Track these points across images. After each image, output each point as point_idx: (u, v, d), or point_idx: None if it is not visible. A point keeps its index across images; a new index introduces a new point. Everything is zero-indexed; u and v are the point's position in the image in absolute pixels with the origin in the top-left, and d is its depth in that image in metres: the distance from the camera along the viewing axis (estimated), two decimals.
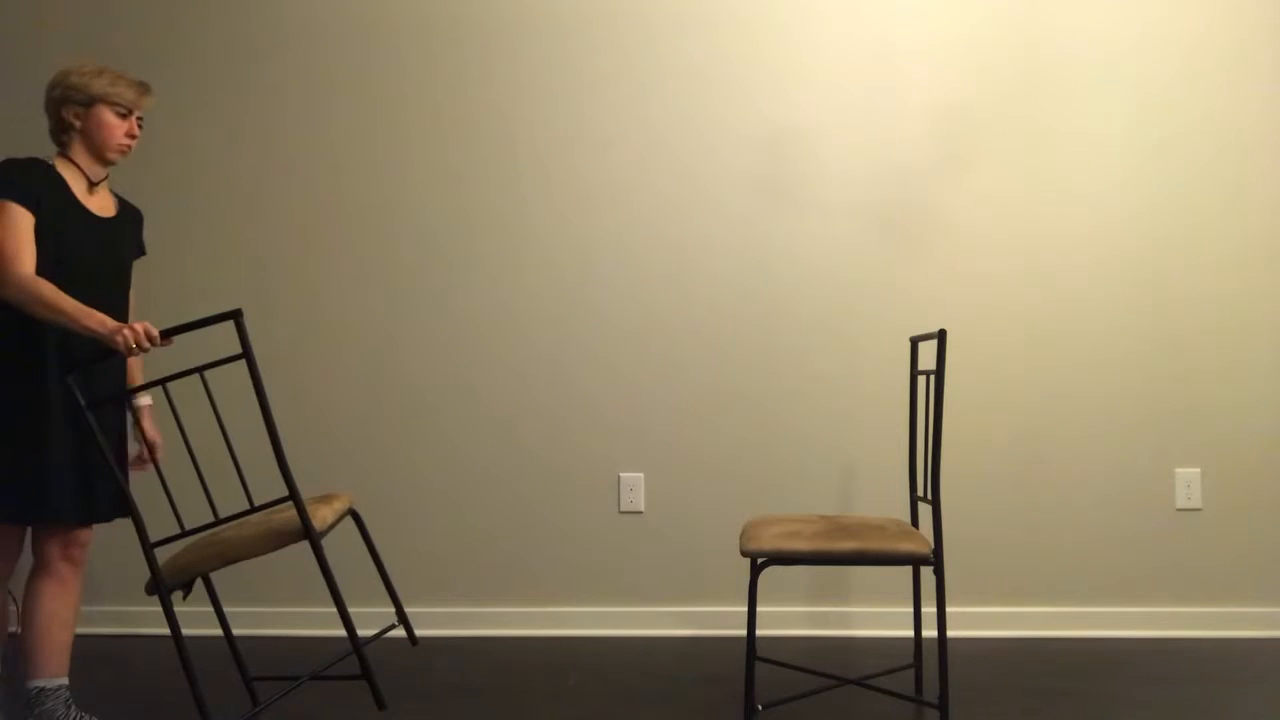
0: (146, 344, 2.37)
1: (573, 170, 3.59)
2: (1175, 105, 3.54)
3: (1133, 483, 3.51)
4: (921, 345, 3.50)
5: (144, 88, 2.63)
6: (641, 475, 3.56)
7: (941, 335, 2.52)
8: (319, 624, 3.54)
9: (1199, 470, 3.50)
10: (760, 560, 2.46)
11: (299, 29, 3.63)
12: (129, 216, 2.69)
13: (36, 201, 2.45)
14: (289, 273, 3.61)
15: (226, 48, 3.64)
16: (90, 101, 2.54)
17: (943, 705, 2.42)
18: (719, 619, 3.52)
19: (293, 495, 2.37)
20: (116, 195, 2.69)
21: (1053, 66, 3.55)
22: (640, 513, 3.56)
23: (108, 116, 2.57)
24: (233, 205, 3.62)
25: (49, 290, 2.38)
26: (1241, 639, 3.41)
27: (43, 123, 2.60)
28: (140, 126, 2.63)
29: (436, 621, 3.54)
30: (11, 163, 2.49)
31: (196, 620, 3.28)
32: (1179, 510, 3.50)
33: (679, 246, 3.58)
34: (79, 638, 3.57)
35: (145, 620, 3.55)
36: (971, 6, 3.56)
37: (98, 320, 2.36)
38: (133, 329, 2.35)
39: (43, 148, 2.59)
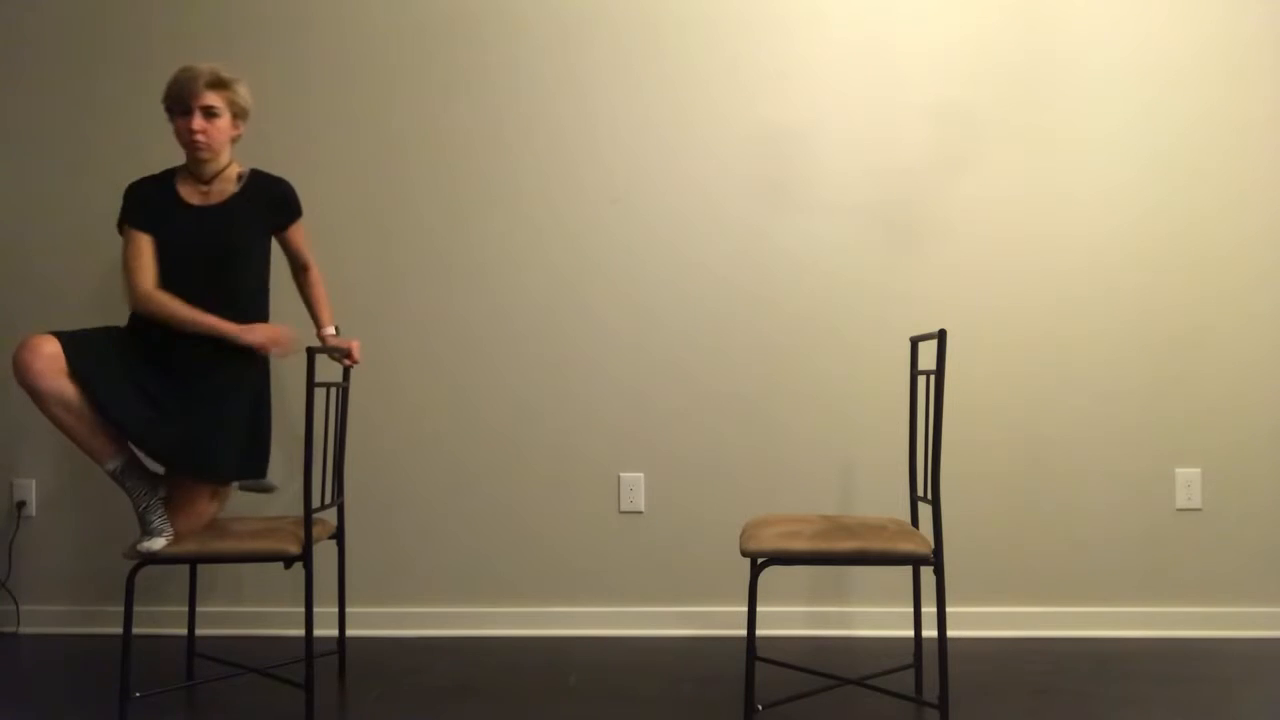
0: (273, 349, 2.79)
1: (571, 170, 3.59)
2: (1175, 106, 3.54)
3: (1133, 483, 3.51)
4: (921, 345, 3.50)
5: (181, 81, 2.73)
6: (641, 475, 3.56)
7: (941, 335, 2.52)
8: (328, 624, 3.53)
9: (1199, 470, 3.50)
10: (760, 560, 2.46)
11: (288, 27, 3.62)
12: (247, 197, 2.82)
13: (143, 216, 2.71)
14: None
15: (214, 42, 3.63)
16: (168, 112, 2.78)
17: (943, 705, 2.43)
18: (719, 619, 3.52)
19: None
20: (245, 178, 2.84)
21: (1053, 67, 3.54)
22: (640, 513, 3.56)
23: (174, 123, 2.76)
24: None
25: (162, 301, 2.64)
26: (1241, 639, 3.41)
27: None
28: (211, 114, 2.72)
29: (437, 621, 3.54)
30: (128, 188, 2.76)
31: (204, 620, 3.34)
32: (1179, 510, 3.50)
33: (678, 246, 3.58)
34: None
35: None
36: (972, 8, 3.56)
37: (209, 323, 2.65)
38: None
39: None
